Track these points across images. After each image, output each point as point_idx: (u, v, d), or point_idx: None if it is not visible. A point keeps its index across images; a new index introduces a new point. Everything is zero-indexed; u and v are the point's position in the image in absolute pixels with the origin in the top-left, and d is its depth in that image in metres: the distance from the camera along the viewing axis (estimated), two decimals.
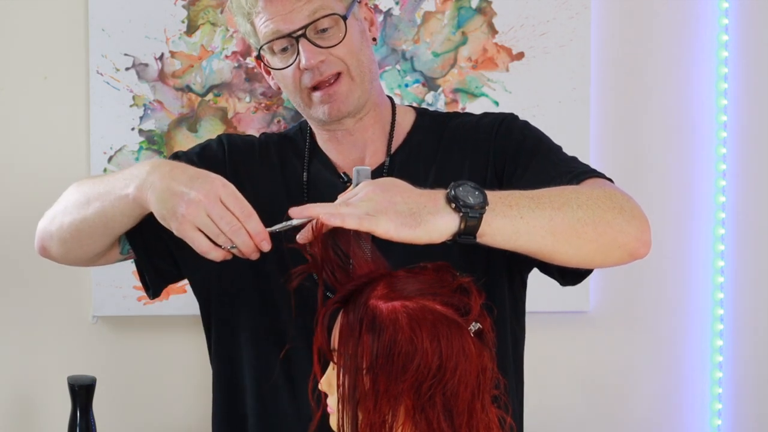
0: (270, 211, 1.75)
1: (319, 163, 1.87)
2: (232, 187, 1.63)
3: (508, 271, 1.84)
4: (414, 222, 1.52)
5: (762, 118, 2.76)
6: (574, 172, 1.76)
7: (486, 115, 1.92)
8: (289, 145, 1.92)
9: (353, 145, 1.86)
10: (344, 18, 1.77)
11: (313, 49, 1.75)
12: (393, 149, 1.87)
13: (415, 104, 2.65)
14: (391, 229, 1.50)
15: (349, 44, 1.77)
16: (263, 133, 1.98)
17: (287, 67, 1.78)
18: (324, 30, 1.76)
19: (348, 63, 1.77)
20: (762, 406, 2.78)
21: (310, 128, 1.91)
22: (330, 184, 1.84)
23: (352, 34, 1.77)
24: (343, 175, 1.85)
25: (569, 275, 1.77)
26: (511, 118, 1.90)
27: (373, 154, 1.87)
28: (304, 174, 1.87)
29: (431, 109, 2.62)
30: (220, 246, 1.61)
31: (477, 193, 1.54)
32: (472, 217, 1.53)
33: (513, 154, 1.82)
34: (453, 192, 1.54)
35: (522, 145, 1.83)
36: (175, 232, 1.63)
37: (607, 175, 1.78)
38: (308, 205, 1.54)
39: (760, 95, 2.75)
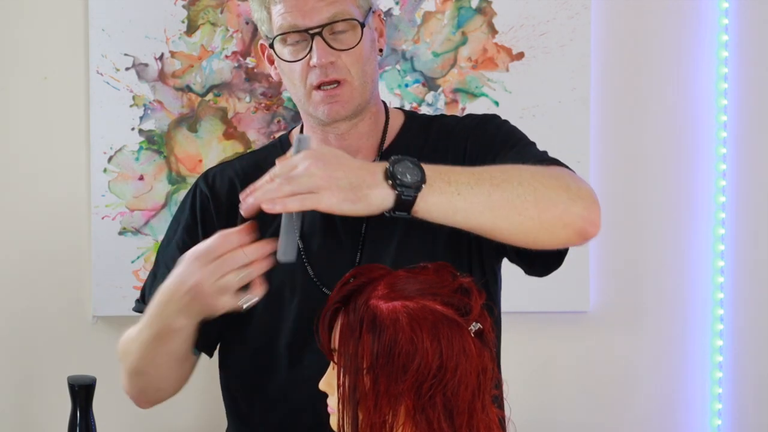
0: (263, 229, 1.78)
1: None
2: (192, 250, 1.67)
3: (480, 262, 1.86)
4: (355, 197, 1.57)
5: (762, 118, 2.76)
6: (533, 159, 1.77)
7: (468, 116, 1.95)
8: (267, 161, 1.92)
9: (346, 149, 1.86)
10: (362, 25, 1.78)
11: (326, 48, 1.77)
12: (383, 150, 1.88)
13: (414, 105, 2.65)
14: (334, 204, 1.56)
15: (359, 52, 1.79)
16: (236, 160, 1.99)
17: (297, 61, 1.79)
18: (339, 32, 1.78)
19: (353, 71, 1.79)
20: (762, 406, 2.78)
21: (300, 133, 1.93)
22: None
23: (364, 42, 1.80)
24: None
25: (536, 265, 1.79)
26: (491, 116, 1.92)
27: (365, 157, 1.88)
28: None
29: (431, 109, 2.64)
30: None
31: (416, 170, 1.59)
32: (407, 196, 1.58)
33: (486, 146, 1.85)
34: (392, 168, 1.59)
35: (495, 138, 1.86)
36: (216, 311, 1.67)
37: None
38: (252, 190, 1.59)
39: (760, 95, 2.75)
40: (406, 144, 1.89)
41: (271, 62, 1.88)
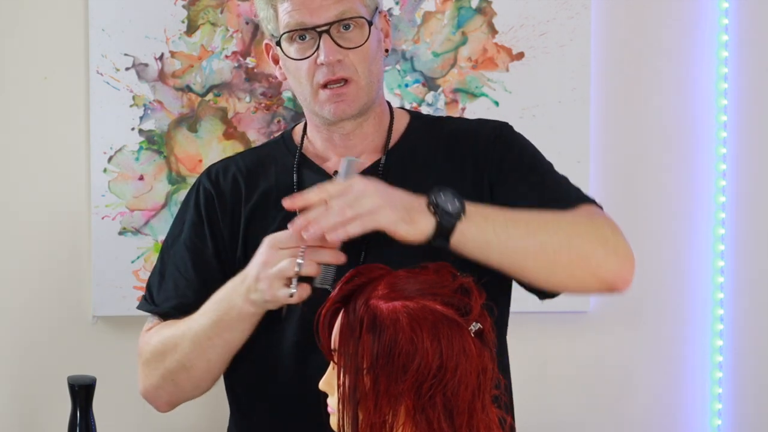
0: (279, 216, 1.78)
1: (309, 170, 1.88)
2: (274, 235, 1.71)
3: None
4: (409, 218, 1.64)
5: (762, 118, 2.76)
6: (567, 198, 1.81)
7: (481, 123, 1.95)
8: (269, 158, 1.93)
9: (351, 148, 1.87)
10: (370, 24, 1.79)
11: (334, 46, 1.77)
12: (389, 148, 1.88)
13: (414, 105, 2.65)
14: (391, 222, 1.64)
15: (366, 50, 1.80)
16: (239, 156, 1.99)
17: (304, 59, 1.79)
18: (347, 29, 1.78)
19: (360, 70, 1.80)
20: (762, 406, 2.78)
21: (303, 134, 1.92)
22: (319, 182, 1.84)
23: (371, 41, 1.80)
24: (334, 175, 1.85)
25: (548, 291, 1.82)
26: (508, 129, 1.93)
27: (370, 153, 1.88)
28: (294, 176, 1.88)
29: (431, 109, 2.64)
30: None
31: (456, 201, 1.66)
32: (447, 222, 1.65)
33: (509, 168, 1.86)
34: (434, 198, 1.66)
35: (519, 161, 1.87)
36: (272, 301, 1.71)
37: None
38: (310, 218, 1.64)
39: (760, 95, 2.75)
40: (411, 146, 1.89)
41: (276, 62, 1.88)
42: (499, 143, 1.88)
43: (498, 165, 1.85)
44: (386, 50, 1.88)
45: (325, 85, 1.79)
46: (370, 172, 1.84)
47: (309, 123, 1.91)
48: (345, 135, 1.86)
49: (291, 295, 1.66)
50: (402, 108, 2.00)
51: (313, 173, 1.87)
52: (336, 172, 1.84)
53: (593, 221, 1.75)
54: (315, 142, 1.91)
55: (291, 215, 1.77)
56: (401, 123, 1.92)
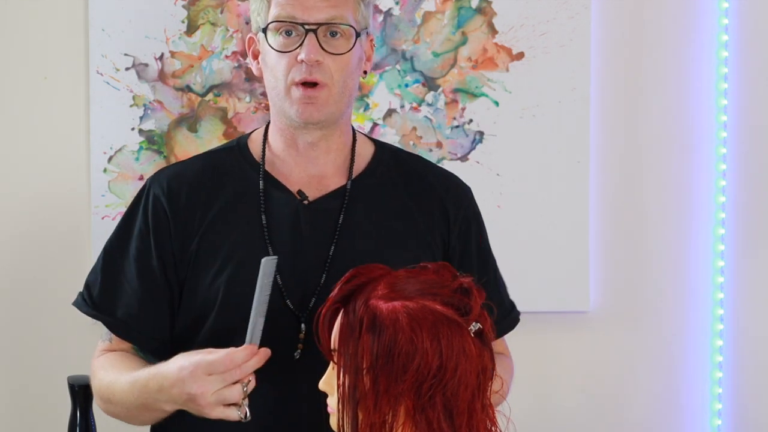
0: (237, 228, 1.78)
1: (271, 186, 1.86)
2: (198, 358, 1.69)
3: None
4: None
5: (762, 118, 2.76)
6: (503, 322, 1.91)
7: (446, 176, 1.96)
8: (223, 167, 1.90)
9: (313, 160, 1.86)
10: (358, 35, 1.80)
11: (317, 47, 1.78)
12: (354, 175, 1.88)
13: (414, 105, 2.65)
14: None
15: (347, 60, 1.80)
16: (191, 162, 1.95)
17: (285, 52, 1.79)
18: (333, 35, 1.79)
19: (336, 78, 1.80)
20: (762, 406, 2.78)
21: (264, 142, 1.90)
22: (282, 199, 1.84)
23: (353, 53, 1.81)
24: (298, 194, 1.84)
25: None
26: (474, 203, 1.96)
27: (332, 175, 1.87)
28: (261, 183, 1.86)
29: (431, 109, 2.64)
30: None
31: None
32: None
33: (475, 256, 1.91)
34: None
35: (476, 251, 1.93)
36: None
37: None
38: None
39: (760, 95, 2.75)
40: (377, 180, 1.89)
41: (255, 57, 1.89)
42: (468, 218, 1.92)
43: (464, 242, 1.90)
44: (364, 72, 1.88)
45: (299, 84, 1.79)
46: (336, 196, 1.84)
47: (273, 126, 1.88)
48: (310, 144, 1.85)
49: (244, 417, 1.67)
50: (363, 133, 1.98)
51: (278, 190, 1.85)
52: (300, 191, 1.84)
53: (511, 373, 1.93)
54: (276, 147, 1.88)
55: (256, 231, 1.79)
56: (365, 149, 1.92)
